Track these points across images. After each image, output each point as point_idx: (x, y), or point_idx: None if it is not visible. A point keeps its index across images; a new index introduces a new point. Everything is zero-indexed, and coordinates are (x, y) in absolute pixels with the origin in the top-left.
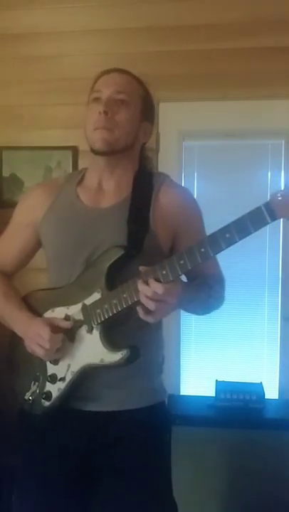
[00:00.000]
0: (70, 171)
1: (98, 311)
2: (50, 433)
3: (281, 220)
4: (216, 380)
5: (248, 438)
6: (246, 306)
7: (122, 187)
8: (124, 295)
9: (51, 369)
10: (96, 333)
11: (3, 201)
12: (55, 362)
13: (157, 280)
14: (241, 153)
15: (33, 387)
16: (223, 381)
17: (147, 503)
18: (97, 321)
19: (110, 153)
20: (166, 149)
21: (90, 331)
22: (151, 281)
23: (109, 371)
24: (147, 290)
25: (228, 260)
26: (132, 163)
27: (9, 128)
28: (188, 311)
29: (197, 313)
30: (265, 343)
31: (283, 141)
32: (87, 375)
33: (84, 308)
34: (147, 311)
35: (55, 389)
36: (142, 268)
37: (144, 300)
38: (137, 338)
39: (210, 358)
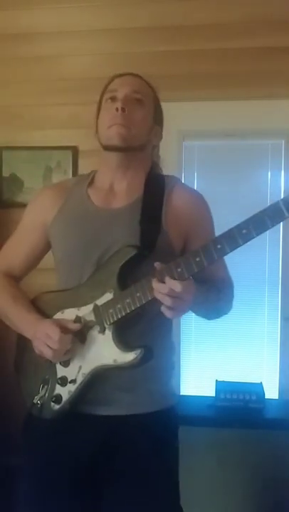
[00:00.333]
0: (70, 171)
1: (111, 310)
2: (60, 437)
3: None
4: (216, 380)
5: (248, 438)
6: (246, 306)
7: (134, 188)
8: (138, 294)
9: (61, 371)
10: (108, 333)
11: (3, 201)
12: (66, 364)
13: (172, 278)
14: (241, 153)
15: (42, 391)
16: (223, 381)
17: (155, 509)
18: (109, 321)
19: (126, 149)
20: (166, 149)
21: (103, 331)
22: (168, 280)
23: (120, 374)
24: (163, 288)
25: (228, 260)
26: (144, 164)
27: (9, 128)
28: (199, 314)
29: (208, 316)
30: (265, 343)
31: (283, 141)
32: (99, 378)
33: (96, 308)
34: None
35: (65, 392)
36: (157, 264)
37: (160, 296)
38: (149, 340)
39: (210, 358)
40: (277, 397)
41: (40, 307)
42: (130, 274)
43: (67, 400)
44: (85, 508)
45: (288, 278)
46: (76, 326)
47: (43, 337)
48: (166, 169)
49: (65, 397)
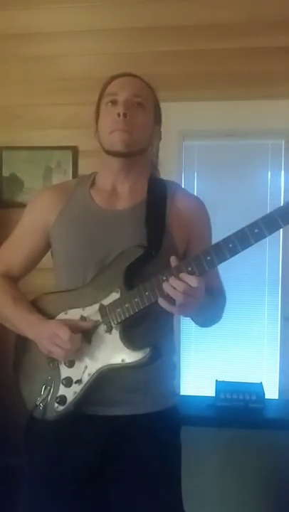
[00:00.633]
0: (70, 171)
1: (118, 310)
2: (63, 439)
3: None
4: (216, 380)
5: (248, 438)
6: (246, 306)
7: (137, 190)
8: (147, 293)
9: (65, 372)
10: (116, 332)
11: (3, 201)
12: (70, 364)
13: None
14: (241, 153)
15: (45, 392)
16: (223, 381)
17: (159, 508)
18: (117, 320)
19: (128, 154)
20: (166, 149)
21: (110, 331)
22: (184, 275)
23: (126, 374)
24: (179, 285)
25: (228, 260)
26: (146, 166)
27: (9, 128)
28: (198, 320)
29: (205, 323)
30: (265, 343)
31: (283, 141)
32: (104, 378)
33: (102, 308)
34: (172, 303)
35: (70, 393)
36: (172, 259)
37: (173, 293)
38: (153, 339)
39: (210, 358)
40: (277, 397)
41: (41, 308)
42: (136, 274)
43: (72, 401)
44: (89, 509)
45: (288, 278)
46: (88, 324)
47: (51, 337)
48: (166, 169)
49: (70, 398)
